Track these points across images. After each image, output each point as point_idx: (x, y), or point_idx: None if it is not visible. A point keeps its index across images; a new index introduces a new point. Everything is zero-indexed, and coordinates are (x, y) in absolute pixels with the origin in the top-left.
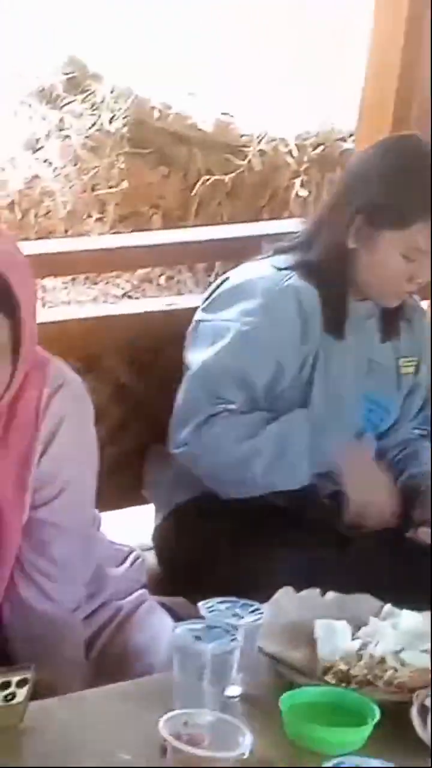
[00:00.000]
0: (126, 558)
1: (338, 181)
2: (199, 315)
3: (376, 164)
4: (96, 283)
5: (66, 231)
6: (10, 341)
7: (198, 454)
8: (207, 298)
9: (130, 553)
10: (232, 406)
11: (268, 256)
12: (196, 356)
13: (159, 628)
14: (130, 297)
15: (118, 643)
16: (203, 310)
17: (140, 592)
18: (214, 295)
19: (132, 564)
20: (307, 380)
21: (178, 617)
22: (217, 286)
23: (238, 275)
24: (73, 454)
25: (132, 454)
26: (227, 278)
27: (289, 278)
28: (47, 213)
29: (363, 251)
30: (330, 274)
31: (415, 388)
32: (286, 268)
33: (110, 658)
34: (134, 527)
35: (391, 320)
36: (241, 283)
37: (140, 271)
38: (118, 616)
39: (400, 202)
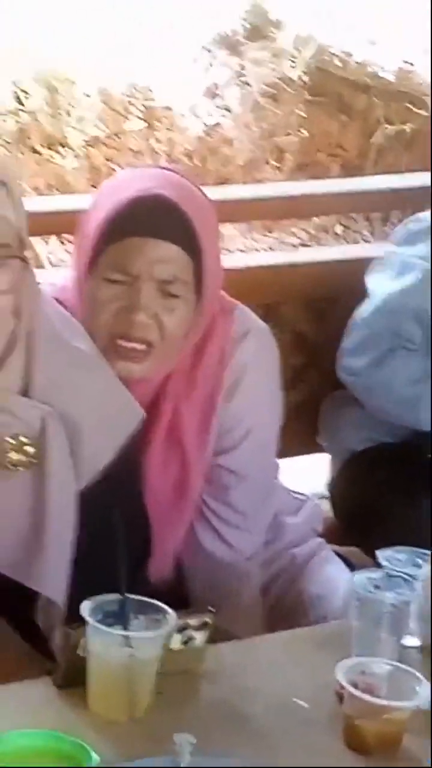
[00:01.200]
0: (303, 506)
1: None
2: (389, 247)
3: None
4: (272, 232)
5: (243, 179)
6: (194, 280)
7: (371, 387)
8: (398, 234)
9: (307, 501)
10: (412, 345)
11: None
12: (380, 284)
13: (334, 578)
14: (306, 246)
15: (293, 591)
16: (395, 243)
17: (316, 541)
18: (405, 231)
19: (309, 513)
20: None
21: (352, 567)
22: (409, 223)
23: (429, 216)
24: (256, 402)
25: (308, 402)
26: (420, 217)
27: None
28: (225, 160)
29: None
30: None
31: None
32: None
33: (285, 606)
34: (309, 475)
35: None
36: None
37: (316, 221)
38: (293, 564)
39: None
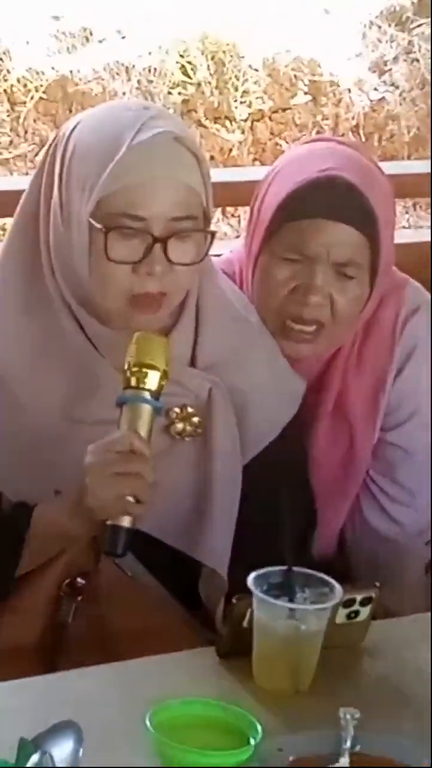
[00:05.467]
0: None
1: None
2: None
3: None
4: None
5: (409, 156)
6: (369, 261)
7: None
8: None
9: None
10: None
11: None
12: None
13: None
14: None
15: None
16: None
17: None
18: None
19: None
20: None
21: None
22: None
23: None
24: (427, 378)
25: None
26: None
27: None
28: (391, 137)
29: None
30: None
31: None
32: None
33: None
34: None
35: None
36: None
37: None
38: None
39: None
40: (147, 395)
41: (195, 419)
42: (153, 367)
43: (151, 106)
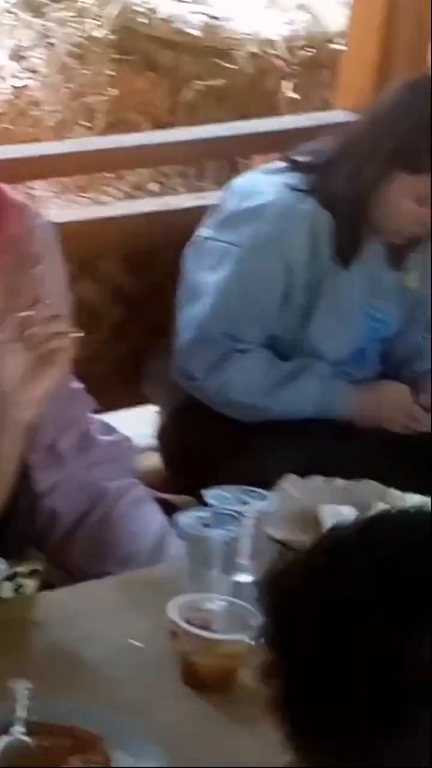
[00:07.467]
0: (117, 441)
1: (364, 115)
2: (205, 231)
3: (401, 105)
4: (86, 192)
5: (55, 140)
6: None
7: (210, 391)
8: (214, 212)
9: (122, 439)
10: (243, 345)
11: (281, 170)
12: (204, 278)
13: (146, 517)
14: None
15: (105, 527)
16: (210, 227)
17: (131, 480)
18: (224, 213)
19: (122, 449)
20: (311, 305)
21: None
22: (226, 200)
23: (248, 192)
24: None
25: (132, 354)
26: (235, 192)
27: (303, 201)
28: (35, 122)
29: (379, 191)
30: (348, 208)
31: (421, 300)
32: (301, 190)
33: (97, 544)
34: (136, 428)
35: (400, 250)
36: (254, 205)
37: (131, 179)
38: (105, 498)
39: (416, 146)
40: None
41: None
42: None
43: None
